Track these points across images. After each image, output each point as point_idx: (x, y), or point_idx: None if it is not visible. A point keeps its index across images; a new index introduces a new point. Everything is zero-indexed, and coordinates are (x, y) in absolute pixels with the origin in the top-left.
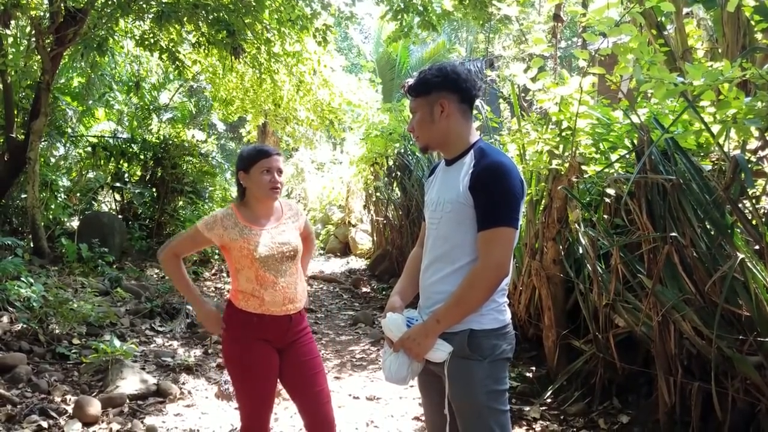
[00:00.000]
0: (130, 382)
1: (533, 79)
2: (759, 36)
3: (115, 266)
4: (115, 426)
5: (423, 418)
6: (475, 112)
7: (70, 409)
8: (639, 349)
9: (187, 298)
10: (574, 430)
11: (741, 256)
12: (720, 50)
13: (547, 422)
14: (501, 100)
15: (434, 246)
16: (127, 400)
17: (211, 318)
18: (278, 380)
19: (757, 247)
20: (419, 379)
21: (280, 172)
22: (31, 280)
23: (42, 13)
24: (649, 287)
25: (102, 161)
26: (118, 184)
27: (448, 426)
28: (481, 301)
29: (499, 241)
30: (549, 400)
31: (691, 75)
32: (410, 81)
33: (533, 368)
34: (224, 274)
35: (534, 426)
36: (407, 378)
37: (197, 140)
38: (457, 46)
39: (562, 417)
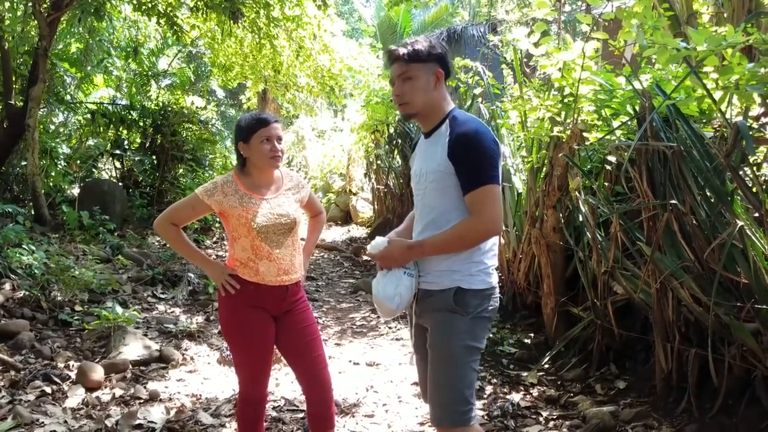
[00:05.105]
0: (133, 348)
1: (536, 44)
2: (765, 0)
3: (116, 234)
4: (118, 391)
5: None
6: (476, 78)
7: (73, 374)
8: (637, 316)
9: (193, 261)
10: (571, 395)
11: (740, 223)
12: (725, 15)
13: (545, 387)
14: (504, 66)
15: (422, 215)
16: (130, 366)
17: (221, 270)
18: (275, 347)
19: (756, 214)
20: (414, 340)
21: (279, 139)
22: (33, 248)
23: None
24: (648, 255)
25: (101, 128)
26: (117, 152)
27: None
28: (463, 250)
29: (486, 198)
30: (547, 366)
31: (694, 40)
32: (404, 48)
33: (532, 335)
34: (225, 242)
35: (531, 391)
36: (395, 299)
37: (196, 107)
38: (459, 9)
39: (559, 382)
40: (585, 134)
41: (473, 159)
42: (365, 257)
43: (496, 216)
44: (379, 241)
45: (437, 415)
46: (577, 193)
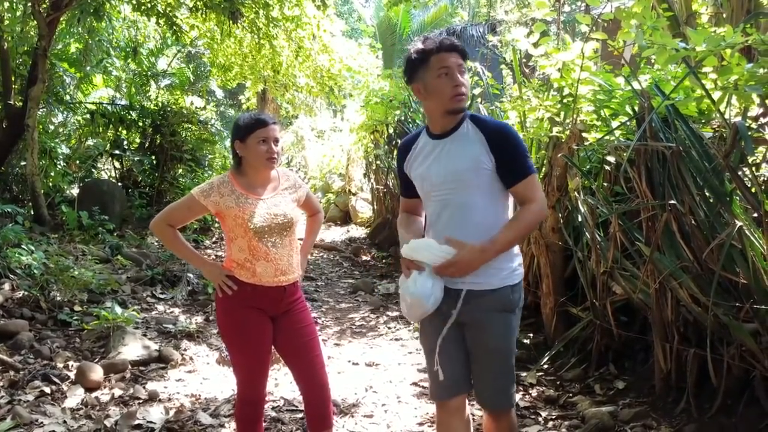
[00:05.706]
0: (132, 349)
1: (535, 45)
2: (764, 0)
3: (115, 234)
4: (117, 391)
5: (421, 383)
6: (476, 78)
7: (72, 375)
8: (636, 316)
9: (189, 261)
10: (570, 395)
11: (739, 223)
12: (724, 15)
13: (544, 388)
14: (503, 66)
15: (453, 215)
16: (129, 366)
17: (218, 271)
18: (273, 347)
19: (755, 215)
20: (444, 334)
21: (276, 141)
22: (32, 248)
23: None
24: (648, 255)
25: (101, 128)
26: (117, 152)
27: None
28: (526, 238)
29: (535, 184)
30: (546, 366)
31: (693, 41)
32: (458, 43)
33: (531, 335)
34: (224, 243)
35: (530, 391)
36: (431, 298)
37: (196, 107)
38: (459, 10)
39: (558, 383)
40: (584, 134)
41: (516, 151)
42: (365, 257)
43: (545, 200)
44: (429, 242)
45: (501, 401)
46: (576, 193)
